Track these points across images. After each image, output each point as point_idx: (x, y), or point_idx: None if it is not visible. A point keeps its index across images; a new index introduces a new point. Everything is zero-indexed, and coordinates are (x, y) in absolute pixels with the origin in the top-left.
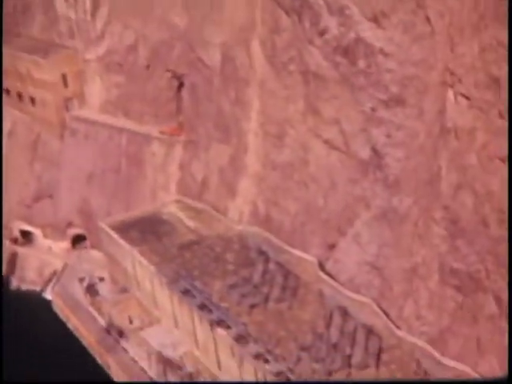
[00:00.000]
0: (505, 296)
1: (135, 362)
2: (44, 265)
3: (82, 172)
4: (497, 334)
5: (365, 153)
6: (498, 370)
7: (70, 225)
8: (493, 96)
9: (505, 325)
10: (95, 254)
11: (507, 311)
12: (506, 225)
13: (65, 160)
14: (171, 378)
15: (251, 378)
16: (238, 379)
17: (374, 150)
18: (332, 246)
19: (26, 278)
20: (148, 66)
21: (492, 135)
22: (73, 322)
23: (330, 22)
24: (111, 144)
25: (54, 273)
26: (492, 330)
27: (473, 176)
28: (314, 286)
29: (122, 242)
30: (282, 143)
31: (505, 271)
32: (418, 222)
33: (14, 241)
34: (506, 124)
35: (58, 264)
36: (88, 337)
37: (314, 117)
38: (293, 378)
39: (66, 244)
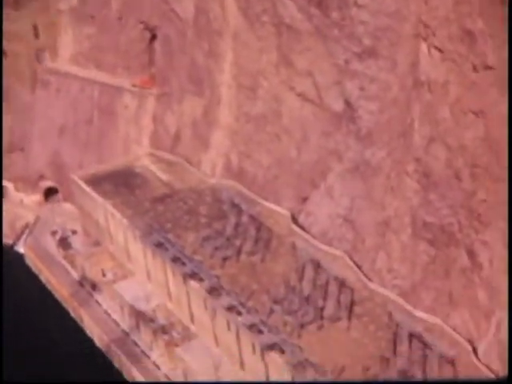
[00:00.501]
0: (477, 249)
1: (108, 315)
2: (16, 218)
3: (53, 124)
4: (469, 287)
5: (338, 105)
6: (470, 323)
7: (41, 178)
8: (466, 49)
9: (477, 278)
10: (68, 207)
11: (479, 265)
12: (478, 178)
13: (36, 113)
14: (144, 331)
15: (224, 331)
16: (210, 331)
17: (348, 103)
18: (305, 199)
19: None
20: (120, 18)
21: (465, 89)
22: (45, 276)
23: None
24: (83, 96)
25: (26, 226)
26: (464, 284)
27: (446, 129)
28: (286, 239)
29: (94, 194)
30: (255, 95)
31: (477, 224)
32: (391, 175)
33: None
34: (479, 77)
35: (30, 217)
36: (61, 290)
37: (287, 69)
38: (265, 330)
39: (37, 197)
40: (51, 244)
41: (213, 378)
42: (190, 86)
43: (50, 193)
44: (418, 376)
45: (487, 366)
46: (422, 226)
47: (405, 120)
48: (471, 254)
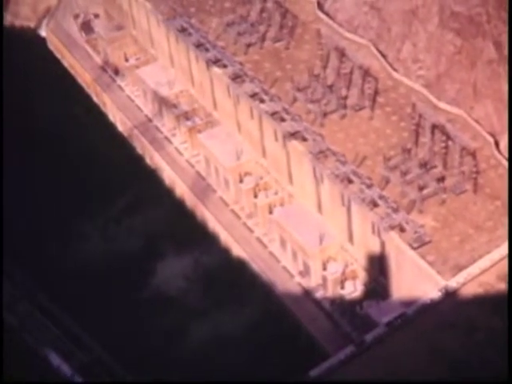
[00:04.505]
0: (504, 41)
1: (131, 100)
2: (38, 0)
3: None
4: (494, 79)
5: None
6: (494, 116)
7: None
8: None
9: (503, 70)
10: None
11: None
12: None
13: None
14: (166, 116)
15: (247, 118)
16: (233, 118)
17: None
18: None
19: (20, 13)
20: None
21: None
22: (68, 60)
23: None
24: None
25: (48, 9)
26: (489, 76)
27: None
28: (311, 26)
29: None
30: None
31: (505, 15)
32: None
33: None
34: None
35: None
36: (83, 75)
37: None
38: (288, 118)
39: None
40: (73, 28)
41: (234, 165)
42: None
43: None
44: (439, 167)
45: (508, 160)
46: (450, 16)
47: None
48: (498, 45)
